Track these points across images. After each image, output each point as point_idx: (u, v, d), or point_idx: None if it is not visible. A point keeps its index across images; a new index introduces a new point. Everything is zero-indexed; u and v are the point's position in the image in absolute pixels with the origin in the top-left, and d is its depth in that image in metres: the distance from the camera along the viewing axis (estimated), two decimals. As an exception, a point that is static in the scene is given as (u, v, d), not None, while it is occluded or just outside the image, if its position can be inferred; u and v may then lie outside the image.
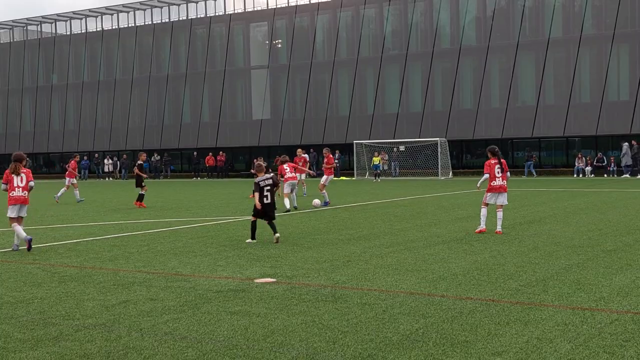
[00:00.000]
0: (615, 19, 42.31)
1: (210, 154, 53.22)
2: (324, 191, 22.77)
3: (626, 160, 39.81)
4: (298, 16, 53.44)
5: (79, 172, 57.36)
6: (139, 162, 24.08)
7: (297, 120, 52.94)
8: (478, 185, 14.61)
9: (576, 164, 42.12)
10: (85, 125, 61.84)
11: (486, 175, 14.06)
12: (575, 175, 41.39)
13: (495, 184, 14.00)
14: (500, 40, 45.97)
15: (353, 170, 47.86)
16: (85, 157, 59.25)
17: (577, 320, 6.83)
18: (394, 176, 45.71)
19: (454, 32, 48.01)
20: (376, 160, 43.44)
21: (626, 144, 39.84)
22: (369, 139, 47.81)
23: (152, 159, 55.84)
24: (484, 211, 14.20)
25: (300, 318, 7.16)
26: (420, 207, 20.98)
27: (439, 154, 43.99)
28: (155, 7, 60.71)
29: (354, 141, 47.40)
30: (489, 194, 14.10)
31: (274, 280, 9.30)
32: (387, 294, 8.27)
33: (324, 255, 11.53)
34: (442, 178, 42.51)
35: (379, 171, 42.68)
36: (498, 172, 13.98)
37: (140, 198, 23.01)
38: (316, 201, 21.68)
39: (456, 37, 47.77)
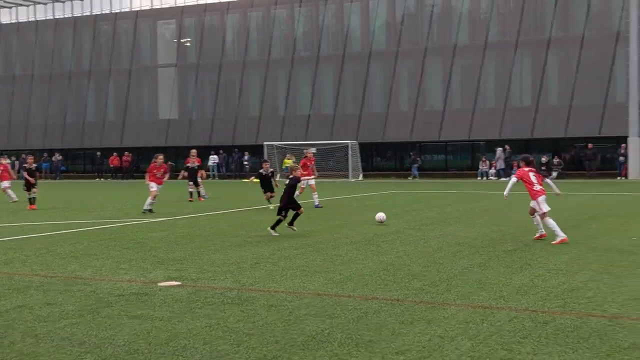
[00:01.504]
0: (519, 27, 43.96)
1: (115, 154, 51.84)
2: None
3: (500, 164, 42.33)
4: (207, 15, 52.85)
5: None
6: (28, 166, 23.13)
7: (206, 120, 52.32)
8: (505, 194, 13.56)
9: (480, 167, 43.51)
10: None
11: (514, 179, 13.24)
12: (479, 178, 42.72)
13: (537, 188, 12.99)
14: (409, 44, 46.91)
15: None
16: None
17: (478, 319, 7.01)
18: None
19: (364, 36, 48.65)
20: (288, 162, 43.44)
21: (500, 148, 42.45)
22: (280, 141, 47.78)
23: (54, 158, 53.93)
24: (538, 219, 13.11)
25: (205, 321, 7.03)
26: (331, 209, 21.11)
27: (349, 156, 44.46)
28: (57, 1, 58.62)
29: (265, 142, 47.26)
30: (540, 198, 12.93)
31: (178, 283, 9.11)
32: (294, 296, 8.25)
33: (231, 257, 11.39)
34: (353, 180, 42.99)
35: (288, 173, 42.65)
36: (534, 179, 13.04)
37: (32, 201, 22.17)
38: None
39: (366, 40, 48.43)
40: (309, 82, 49.75)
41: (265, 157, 46.58)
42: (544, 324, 6.80)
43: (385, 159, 50.89)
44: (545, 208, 12.79)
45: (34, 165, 23.56)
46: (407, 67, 47.40)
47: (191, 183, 25.33)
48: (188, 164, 25.67)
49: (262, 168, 21.74)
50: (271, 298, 8.13)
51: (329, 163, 45.24)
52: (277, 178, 43.30)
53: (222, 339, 6.39)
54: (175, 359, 5.79)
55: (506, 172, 41.20)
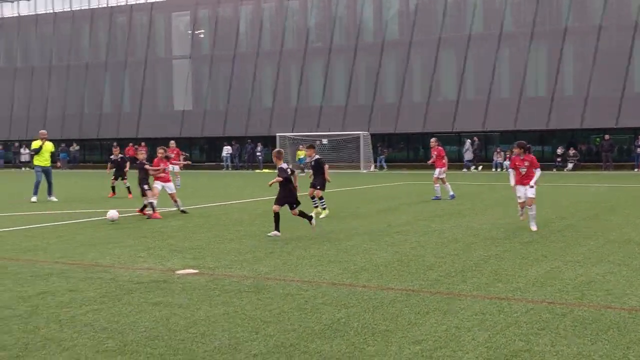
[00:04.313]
0: (534, 17, 43.72)
1: (131, 144, 52.10)
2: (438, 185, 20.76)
3: (468, 155, 43.41)
4: (221, 6, 52.92)
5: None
6: (114, 157, 23.78)
7: (220, 111, 52.49)
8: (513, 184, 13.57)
9: (494, 158, 43.42)
10: (1, 113, 59.54)
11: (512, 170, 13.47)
12: (493, 170, 42.64)
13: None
14: (422, 35, 46.77)
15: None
16: (0, 147, 57.19)
17: (495, 310, 7.06)
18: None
19: (377, 27, 48.56)
20: (301, 153, 43.52)
21: (469, 140, 43.74)
22: (293, 132, 47.85)
23: (71, 148, 54.35)
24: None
25: (223, 309, 7.14)
26: (343, 200, 21.18)
27: (361, 147, 44.47)
28: (74, -7, 59.00)
29: (277, 133, 47.34)
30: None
31: (196, 271, 9.23)
32: (309, 285, 8.34)
33: (247, 246, 11.51)
34: (365, 171, 43.02)
35: (303, 165, 42.78)
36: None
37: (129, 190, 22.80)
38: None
39: (379, 31, 48.33)
40: (322, 73, 49.74)
41: (278, 147, 46.71)
42: (561, 315, 6.83)
43: (398, 150, 50.86)
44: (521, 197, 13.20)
45: (120, 156, 23.83)
46: (421, 58, 47.27)
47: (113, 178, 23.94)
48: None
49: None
50: (287, 287, 8.23)
51: (340, 154, 45.30)
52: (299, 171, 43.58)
53: (240, 326, 6.50)
54: (194, 345, 5.90)
55: (473, 163, 43.31)
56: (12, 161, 56.62)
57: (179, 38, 54.94)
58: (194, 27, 53.67)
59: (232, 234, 13.19)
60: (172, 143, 29.62)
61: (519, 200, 13.33)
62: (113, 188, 23.41)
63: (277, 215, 12.69)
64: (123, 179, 23.32)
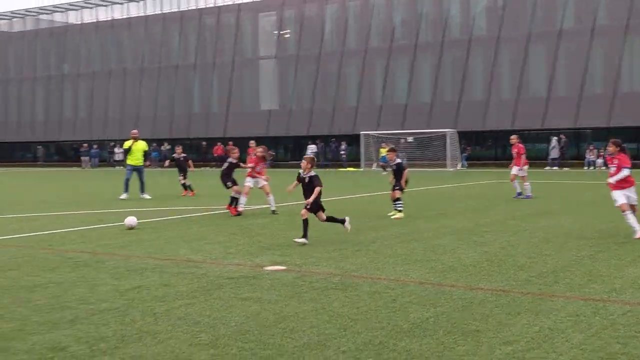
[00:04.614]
0: (629, 9, 42.03)
1: (219, 143, 53.27)
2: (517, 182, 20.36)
3: (554, 153, 42.16)
4: (307, 6, 53.35)
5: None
6: (177, 155, 24.29)
7: (305, 110, 52.92)
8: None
9: (587, 156, 42.03)
10: (97, 114, 62.00)
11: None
12: (585, 168, 41.28)
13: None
14: (511, 30, 45.74)
15: (360, 161, 47.77)
16: (95, 146, 59.49)
17: (589, 312, 6.84)
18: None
19: (464, 22, 47.83)
20: (383, 151, 43.34)
21: (555, 138, 42.31)
22: (377, 130, 47.73)
23: (162, 147, 56.04)
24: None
25: (311, 305, 7.21)
26: (430, 199, 20.99)
27: (447, 145, 43.91)
28: (165, -4, 60.85)
29: (362, 132, 47.32)
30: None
31: (284, 268, 9.35)
32: (396, 283, 8.31)
33: (333, 244, 11.57)
34: (452, 169, 42.46)
35: (385, 163, 42.57)
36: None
37: (190, 187, 23.33)
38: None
39: (466, 27, 47.58)
40: (407, 71, 49.41)
41: (362, 146, 46.72)
42: (660, 318, 6.56)
43: (485, 147, 49.93)
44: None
45: (183, 155, 24.46)
46: (509, 53, 46.25)
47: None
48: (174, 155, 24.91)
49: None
50: (374, 285, 8.22)
51: (425, 153, 44.88)
52: (374, 167, 43.59)
53: (328, 322, 6.54)
54: (284, 341, 5.98)
55: (558, 161, 41.75)
56: (107, 160, 58.86)
57: (265, 38, 55.75)
58: (280, 27, 54.34)
59: (317, 232, 13.26)
60: (252, 143, 30.01)
61: (616, 205, 12.39)
62: (184, 186, 23.62)
63: (305, 222, 11.69)
64: (184, 177, 23.64)
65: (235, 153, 17.68)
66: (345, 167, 48.10)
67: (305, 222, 11.65)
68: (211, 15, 57.30)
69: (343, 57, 51.55)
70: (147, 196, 21.88)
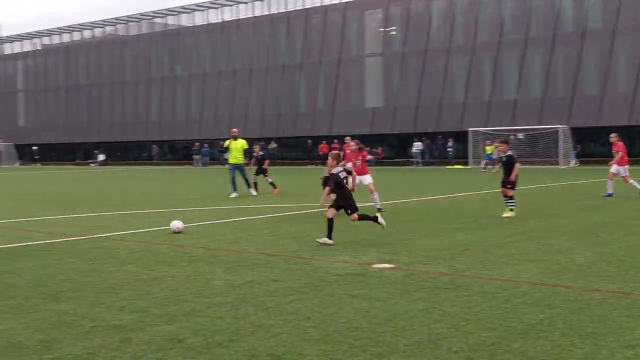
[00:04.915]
0: None
1: (324, 142, 53.78)
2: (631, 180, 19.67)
3: None
4: (413, 2, 52.93)
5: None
6: (256, 154, 24.43)
7: (410, 107, 52.56)
8: None
9: None
10: (207, 113, 63.95)
11: None
12: None
13: None
14: (628, 21, 43.65)
15: (467, 158, 46.96)
16: (206, 145, 61.41)
17: None
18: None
19: (577, 15, 46.08)
20: (489, 149, 42.38)
21: None
22: (486, 127, 46.75)
23: (269, 146, 57.15)
24: None
25: (421, 304, 7.16)
26: (542, 197, 20.37)
27: (560, 141, 42.44)
28: (273, -3, 62.01)
29: (469, 129, 46.49)
30: None
31: (392, 266, 9.33)
32: (509, 284, 8.12)
33: (442, 243, 11.43)
34: (564, 167, 41.01)
35: (490, 161, 41.59)
36: None
37: (274, 185, 23.51)
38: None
39: (579, 20, 45.82)
40: (516, 66, 48.12)
41: (470, 143, 45.82)
42: None
43: (600, 144, 47.90)
44: None
45: (261, 153, 24.98)
46: (626, 46, 44.19)
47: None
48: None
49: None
50: (485, 285, 8.07)
51: (536, 149, 43.55)
52: (482, 165, 42.69)
53: (438, 322, 6.47)
54: (395, 339, 5.96)
55: None
56: (217, 159, 60.62)
57: (371, 36, 55.76)
58: (386, 24, 54.20)
59: (425, 229, 13.17)
60: (348, 139, 30.00)
61: None
62: (255, 184, 23.45)
63: (330, 221, 11.30)
64: (265, 175, 23.72)
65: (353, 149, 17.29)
66: (452, 165, 47.42)
67: (331, 222, 11.32)
68: (318, 14, 57.87)
69: (450, 53, 50.81)
70: (253, 192, 22.30)
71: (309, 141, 56.35)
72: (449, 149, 49.02)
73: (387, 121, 53.54)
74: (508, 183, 15.31)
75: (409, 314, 6.75)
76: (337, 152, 12.31)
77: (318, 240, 11.38)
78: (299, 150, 59.98)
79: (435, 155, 50.48)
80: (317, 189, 24.39)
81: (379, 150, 48.37)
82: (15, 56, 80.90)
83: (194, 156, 60.52)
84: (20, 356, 5.63)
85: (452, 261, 9.67)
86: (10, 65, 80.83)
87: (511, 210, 15.12)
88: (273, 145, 57.63)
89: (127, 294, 7.82)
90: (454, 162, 47.91)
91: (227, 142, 22.72)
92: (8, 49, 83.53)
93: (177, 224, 13.12)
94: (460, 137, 48.81)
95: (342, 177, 11.66)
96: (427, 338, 5.97)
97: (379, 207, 16.79)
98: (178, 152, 68.68)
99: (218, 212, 17.36)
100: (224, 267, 9.41)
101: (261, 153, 24.78)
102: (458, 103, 50.51)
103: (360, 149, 17.19)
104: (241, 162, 22.61)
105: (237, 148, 22.44)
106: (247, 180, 22.64)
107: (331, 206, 11.69)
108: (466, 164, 46.59)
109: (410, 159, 51.37)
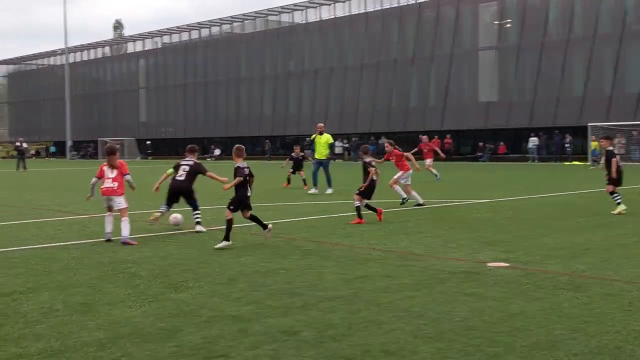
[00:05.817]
0: None
1: (436, 136, 53.01)
2: None
3: None
4: (529, -7, 51.32)
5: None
6: (295, 155, 24.96)
7: (526, 102, 50.99)
8: None
9: None
10: (318, 109, 64.58)
11: None
12: None
13: None
14: None
15: (587, 155, 45.05)
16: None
17: None
18: (634, 161, 42.27)
19: None
20: (594, 145, 40.43)
21: None
22: (606, 121, 44.68)
23: (380, 141, 57.03)
24: None
25: (538, 304, 6.95)
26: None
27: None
28: (386, -8, 61.74)
29: (589, 124, 44.58)
30: None
31: (507, 264, 9.11)
32: (632, 286, 7.76)
33: (560, 242, 11.05)
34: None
35: (596, 157, 39.60)
36: None
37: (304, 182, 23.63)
38: None
39: None
40: (641, 58, 45.71)
41: (590, 137, 43.91)
42: None
43: None
44: None
45: (301, 154, 25.13)
46: None
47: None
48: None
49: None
50: (607, 286, 7.74)
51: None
52: (590, 164, 40.81)
53: (557, 323, 6.27)
54: (511, 339, 5.82)
55: None
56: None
57: (484, 29, 54.52)
58: (501, 17, 52.84)
59: (543, 228, 12.77)
60: (425, 138, 30.20)
61: None
62: (288, 179, 24.53)
63: (230, 222, 10.72)
64: (300, 172, 24.42)
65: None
66: (570, 161, 45.67)
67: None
68: (431, 8, 57.14)
69: (568, 45, 48.91)
70: (329, 191, 21.28)
71: (423, 136, 55.53)
72: (567, 145, 47.24)
73: (501, 116, 52.21)
74: (609, 179, 14.91)
75: (526, 314, 6.58)
76: (240, 145, 11.75)
77: (216, 246, 10.63)
78: (409, 145, 59.37)
79: (553, 151, 48.78)
80: (429, 185, 24.18)
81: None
82: (137, 55, 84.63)
83: (305, 151, 61.27)
84: (143, 343, 5.89)
85: (572, 261, 9.34)
86: (133, 63, 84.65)
87: (618, 204, 14.66)
88: (383, 140, 57.44)
89: (244, 286, 8.03)
90: (572, 158, 46.14)
91: (312, 136, 22.82)
92: (130, 47, 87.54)
93: (175, 218, 13.05)
94: (578, 132, 46.92)
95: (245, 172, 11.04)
96: (545, 340, 5.80)
97: (421, 202, 16.76)
98: (290, 147, 69.69)
99: (327, 206, 17.46)
100: (336, 262, 9.49)
101: (302, 154, 25.35)
102: (576, 97, 48.55)
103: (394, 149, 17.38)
104: (324, 157, 22.00)
105: (321, 143, 22.06)
106: (328, 178, 21.65)
107: (230, 205, 10.87)
108: (585, 160, 44.72)
109: (526, 155, 49.92)
